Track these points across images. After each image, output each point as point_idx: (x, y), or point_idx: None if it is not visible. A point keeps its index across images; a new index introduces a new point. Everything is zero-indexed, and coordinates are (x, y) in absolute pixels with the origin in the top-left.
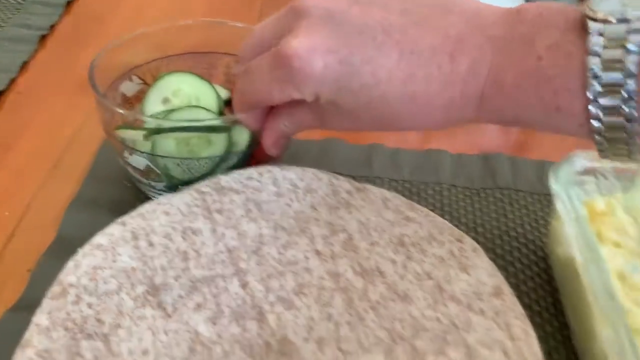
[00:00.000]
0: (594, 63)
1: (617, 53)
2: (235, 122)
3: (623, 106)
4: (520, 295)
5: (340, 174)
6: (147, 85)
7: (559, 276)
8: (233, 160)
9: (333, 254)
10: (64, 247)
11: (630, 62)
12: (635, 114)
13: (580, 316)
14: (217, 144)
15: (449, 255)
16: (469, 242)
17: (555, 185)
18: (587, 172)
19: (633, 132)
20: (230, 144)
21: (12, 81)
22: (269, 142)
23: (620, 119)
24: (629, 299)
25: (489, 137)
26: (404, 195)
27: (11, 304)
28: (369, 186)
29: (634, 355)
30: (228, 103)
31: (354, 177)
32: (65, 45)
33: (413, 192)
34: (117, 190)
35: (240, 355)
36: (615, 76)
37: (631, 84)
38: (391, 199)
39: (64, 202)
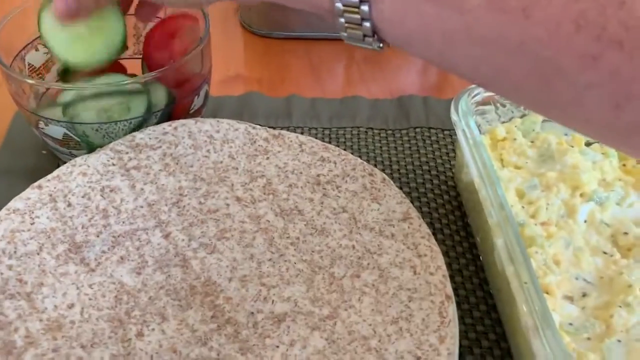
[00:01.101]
0: None
1: None
2: (153, 81)
3: None
4: (432, 221)
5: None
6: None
7: (465, 200)
8: (152, 121)
9: (253, 199)
10: None
11: None
12: None
13: (481, 232)
14: (136, 108)
15: (361, 189)
16: (379, 175)
17: (455, 115)
18: (486, 101)
19: (366, 14)
20: (150, 105)
21: None
22: None
23: (356, 0)
24: (525, 213)
25: (405, 83)
26: (323, 141)
27: None
28: (284, 132)
29: (522, 255)
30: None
31: (274, 129)
32: None
33: (332, 137)
34: (34, 158)
35: (166, 300)
36: None
37: None
38: (306, 143)
39: None
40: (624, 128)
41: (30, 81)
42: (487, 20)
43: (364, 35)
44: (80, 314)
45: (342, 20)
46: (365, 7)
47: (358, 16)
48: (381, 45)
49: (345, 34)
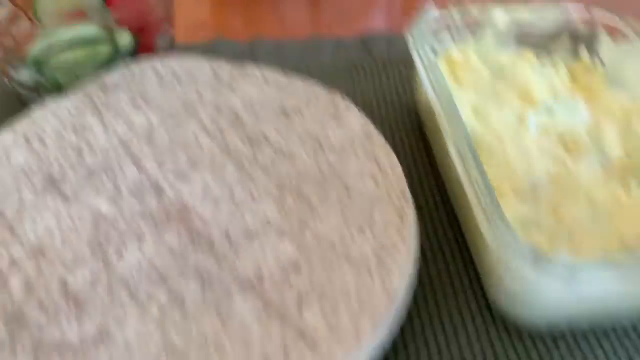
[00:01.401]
0: None
1: None
2: (116, 26)
3: None
4: (396, 146)
5: None
6: (17, 6)
7: (424, 121)
8: (118, 61)
9: (221, 130)
10: None
11: None
12: None
13: (438, 148)
14: (102, 51)
15: (325, 115)
16: (341, 101)
17: (411, 39)
18: (440, 24)
19: None
20: (116, 48)
21: None
22: None
23: None
24: (478, 125)
25: (371, 25)
26: None
27: None
28: (249, 67)
29: (471, 154)
30: None
31: None
32: None
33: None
34: (6, 110)
35: (143, 224)
36: None
37: None
38: (270, 76)
39: None
40: None
41: None
42: None
43: None
44: (61, 239)
45: None
46: None
47: None
48: None
49: None
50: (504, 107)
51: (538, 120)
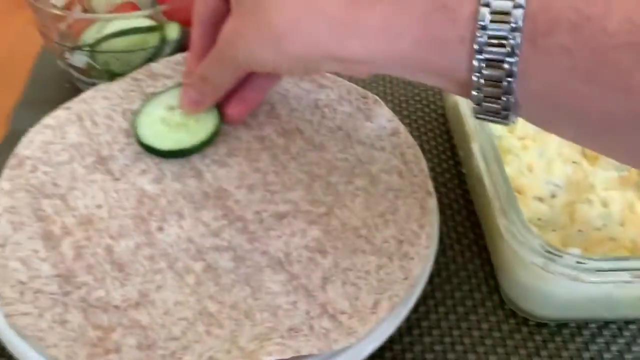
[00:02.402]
0: (483, 13)
1: (506, 5)
2: (165, 19)
3: (506, 59)
4: (423, 143)
5: None
6: None
7: (451, 124)
8: (166, 51)
9: (259, 122)
10: (16, 139)
11: (517, 16)
12: (516, 69)
13: (463, 147)
14: (151, 39)
15: (356, 110)
16: (371, 97)
17: None
18: None
19: (510, 89)
20: (164, 39)
21: None
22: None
23: (500, 73)
24: (503, 128)
25: None
26: None
27: None
28: None
29: (496, 162)
30: None
31: None
32: None
33: None
34: (57, 92)
35: (183, 202)
36: (501, 28)
37: (516, 37)
38: None
39: (9, 105)
40: None
41: (57, 12)
42: None
43: (502, 109)
44: (108, 212)
45: (479, 94)
46: (509, 80)
47: (499, 90)
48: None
49: (478, 107)
50: None
51: None
